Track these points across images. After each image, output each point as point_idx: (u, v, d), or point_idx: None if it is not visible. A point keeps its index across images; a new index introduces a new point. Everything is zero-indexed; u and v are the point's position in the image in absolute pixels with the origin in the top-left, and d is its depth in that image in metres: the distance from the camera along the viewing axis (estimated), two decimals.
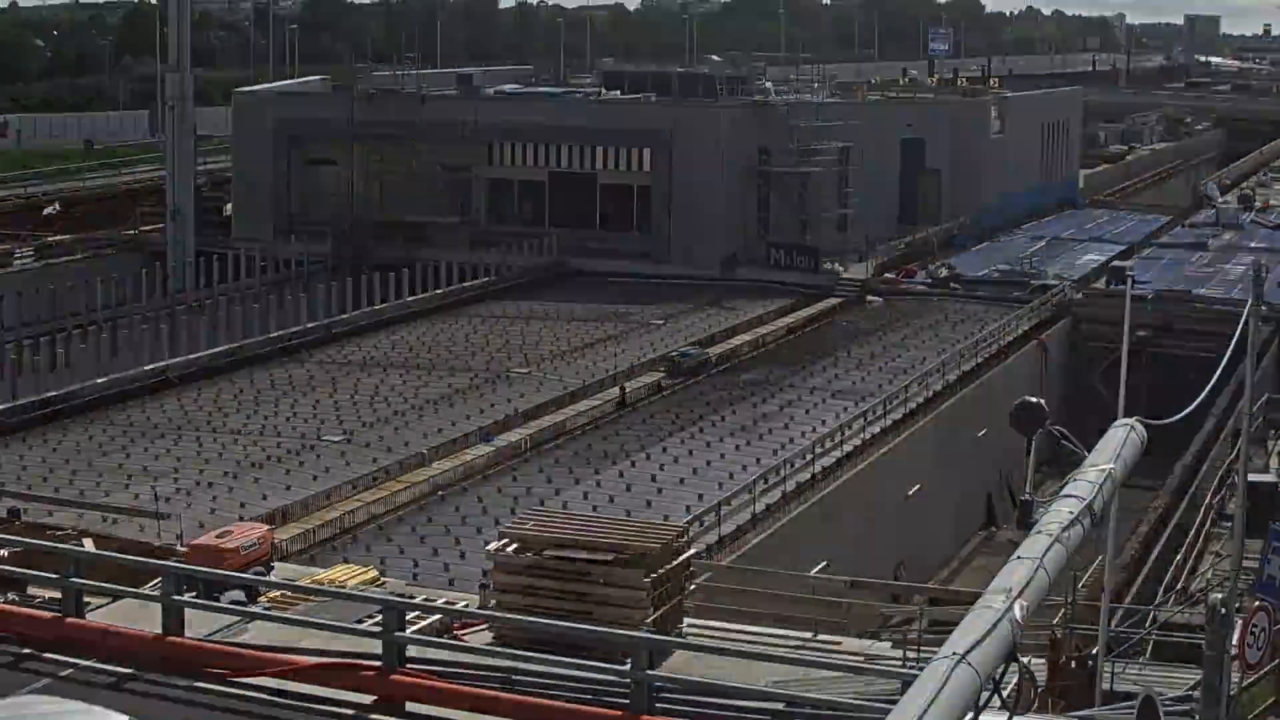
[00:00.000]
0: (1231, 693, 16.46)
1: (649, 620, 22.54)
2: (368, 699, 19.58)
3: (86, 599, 21.80)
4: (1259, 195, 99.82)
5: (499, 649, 21.35)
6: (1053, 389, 54.84)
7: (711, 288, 63.88)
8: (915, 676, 11.21)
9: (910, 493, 44.83)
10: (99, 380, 45.05)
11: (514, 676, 19.57)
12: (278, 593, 24.47)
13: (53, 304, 57.10)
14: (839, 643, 26.02)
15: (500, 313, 59.19)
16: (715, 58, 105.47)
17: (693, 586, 25.38)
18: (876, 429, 43.92)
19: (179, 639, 20.90)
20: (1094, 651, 20.99)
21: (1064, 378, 59.84)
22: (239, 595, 23.61)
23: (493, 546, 24.80)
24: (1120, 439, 15.52)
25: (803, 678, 21.35)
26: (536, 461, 40.63)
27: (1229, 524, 32.86)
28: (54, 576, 21.97)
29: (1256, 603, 19.75)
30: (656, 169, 69.30)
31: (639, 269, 66.02)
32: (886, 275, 66.04)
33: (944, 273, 66.05)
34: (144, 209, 74.92)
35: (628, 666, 18.91)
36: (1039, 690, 19.31)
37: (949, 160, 77.92)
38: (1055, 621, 22.96)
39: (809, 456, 39.75)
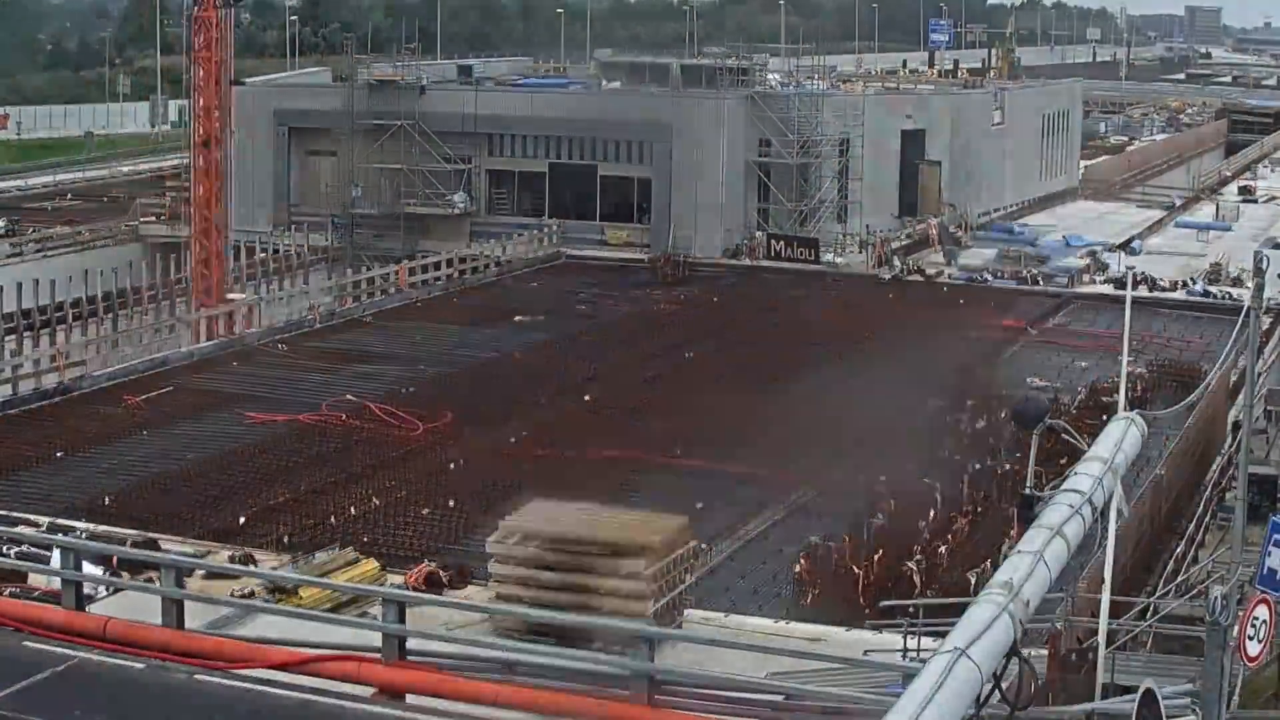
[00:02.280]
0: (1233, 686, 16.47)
1: (650, 611, 22.56)
2: (368, 691, 19.58)
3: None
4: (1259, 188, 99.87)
5: (499, 641, 21.35)
6: None
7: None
8: (917, 670, 11.22)
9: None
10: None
11: (514, 668, 19.57)
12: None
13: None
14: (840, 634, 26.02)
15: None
16: (716, 49, 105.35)
17: (693, 579, 25.40)
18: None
19: (179, 631, 20.91)
20: (1094, 644, 20.99)
21: None
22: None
23: (493, 538, 24.83)
24: (1120, 432, 15.55)
25: (804, 669, 21.37)
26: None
27: (1229, 515, 32.85)
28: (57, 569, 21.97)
29: (1257, 595, 19.74)
30: (657, 160, 69.28)
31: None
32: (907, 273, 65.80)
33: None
34: (144, 201, 74.93)
35: (628, 658, 18.90)
36: (1039, 683, 19.31)
37: (949, 151, 77.93)
38: (1055, 614, 22.95)
39: None
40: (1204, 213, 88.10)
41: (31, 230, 70.42)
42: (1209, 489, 37.44)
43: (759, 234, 67.74)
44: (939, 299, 61.25)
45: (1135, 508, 30.25)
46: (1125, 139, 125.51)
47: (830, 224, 69.45)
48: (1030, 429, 17.51)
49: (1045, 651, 21.22)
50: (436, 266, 62.24)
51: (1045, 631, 21.66)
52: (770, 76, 77.72)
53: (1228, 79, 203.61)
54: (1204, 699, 14.80)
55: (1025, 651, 13.44)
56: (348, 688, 19.53)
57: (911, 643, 23.59)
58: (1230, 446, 38.99)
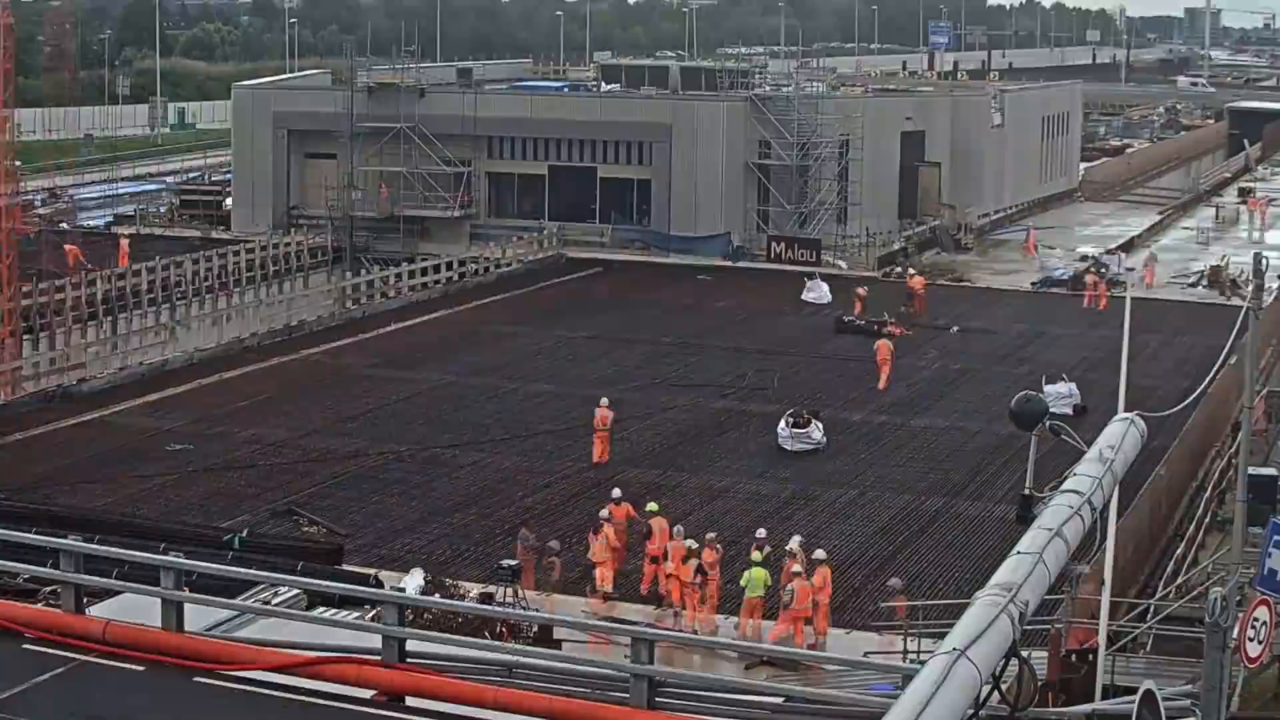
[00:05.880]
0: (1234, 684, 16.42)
1: None
2: (368, 693, 19.54)
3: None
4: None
5: (499, 643, 21.35)
6: None
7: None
8: (916, 671, 11.21)
9: None
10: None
11: (514, 671, 19.54)
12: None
13: None
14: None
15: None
16: (721, 51, 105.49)
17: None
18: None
19: (180, 633, 20.87)
20: (1095, 645, 20.99)
21: None
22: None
23: None
24: (1120, 433, 15.54)
25: (804, 671, 21.38)
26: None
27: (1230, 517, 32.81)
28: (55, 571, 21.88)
29: (1257, 596, 19.72)
30: (656, 162, 69.26)
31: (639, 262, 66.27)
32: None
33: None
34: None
35: (628, 660, 18.88)
36: (1039, 684, 19.29)
37: (949, 153, 77.91)
38: (1055, 615, 22.96)
39: None
40: (1204, 215, 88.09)
41: None
42: (1209, 490, 37.42)
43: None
44: None
45: (1133, 511, 30.27)
46: (1125, 141, 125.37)
47: (830, 226, 69.40)
48: (1029, 429, 17.48)
49: (1045, 652, 21.23)
50: (436, 269, 62.21)
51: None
52: (768, 66, 77.46)
53: (1228, 79, 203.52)
54: (1204, 700, 14.77)
55: (1025, 652, 13.43)
56: (348, 690, 19.50)
57: (911, 644, 23.62)
58: (1231, 447, 38.96)
